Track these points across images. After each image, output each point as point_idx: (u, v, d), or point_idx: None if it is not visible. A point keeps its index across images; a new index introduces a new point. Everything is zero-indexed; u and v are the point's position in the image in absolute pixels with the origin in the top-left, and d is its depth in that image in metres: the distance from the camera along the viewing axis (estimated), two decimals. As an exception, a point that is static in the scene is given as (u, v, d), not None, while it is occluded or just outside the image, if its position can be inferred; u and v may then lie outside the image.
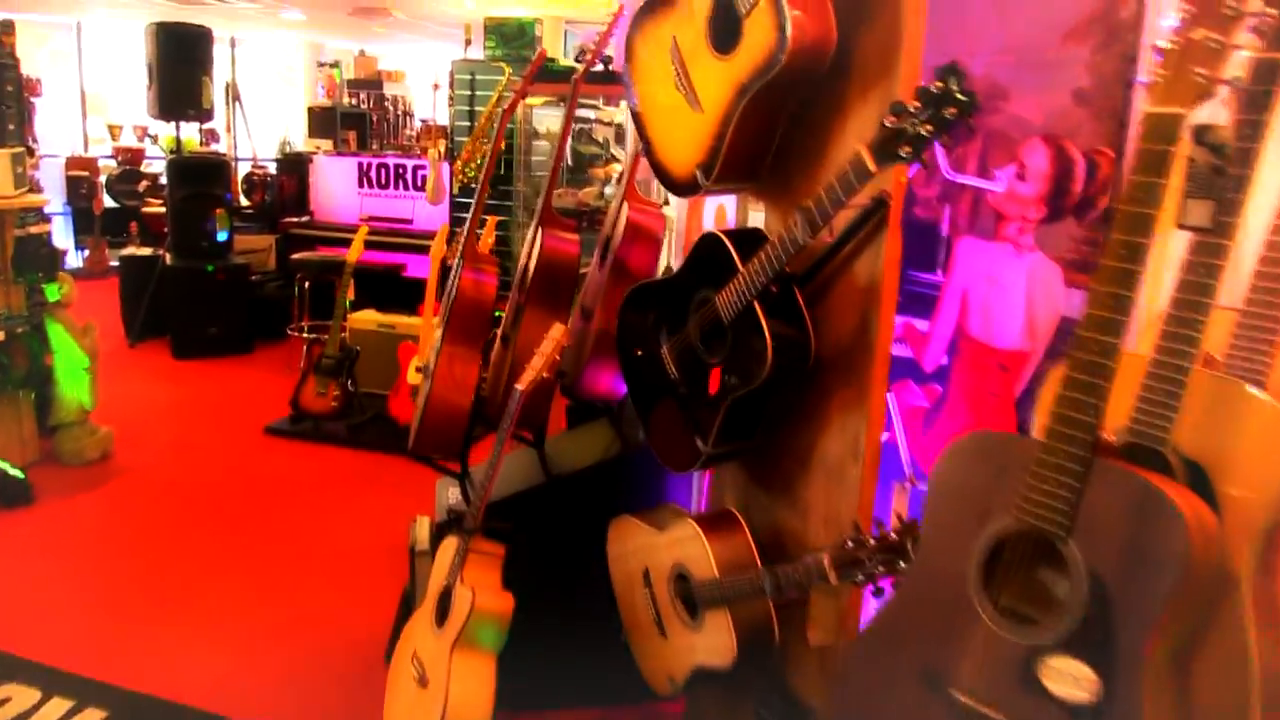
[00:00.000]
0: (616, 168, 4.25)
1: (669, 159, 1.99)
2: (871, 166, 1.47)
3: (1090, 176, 1.77)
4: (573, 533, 2.59)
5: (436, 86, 6.34)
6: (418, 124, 8.16)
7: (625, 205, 2.51)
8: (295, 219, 6.44)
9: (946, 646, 1.19)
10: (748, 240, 1.83)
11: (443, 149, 6.11)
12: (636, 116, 2.08)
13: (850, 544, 1.55)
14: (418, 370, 4.58)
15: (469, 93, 5.84)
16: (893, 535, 1.49)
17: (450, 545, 2.28)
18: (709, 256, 1.87)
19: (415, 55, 9.75)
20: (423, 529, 2.69)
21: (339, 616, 3.16)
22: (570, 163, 6.55)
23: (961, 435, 1.22)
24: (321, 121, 7.40)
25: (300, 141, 7.93)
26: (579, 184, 6.37)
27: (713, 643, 1.95)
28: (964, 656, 1.17)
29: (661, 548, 2.09)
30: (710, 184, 1.87)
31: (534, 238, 2.49)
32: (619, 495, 2.61)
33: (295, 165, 6.66)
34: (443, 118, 6.28)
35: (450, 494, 2.66)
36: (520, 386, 2.17)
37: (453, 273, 2.51)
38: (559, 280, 2.43)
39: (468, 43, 6.04)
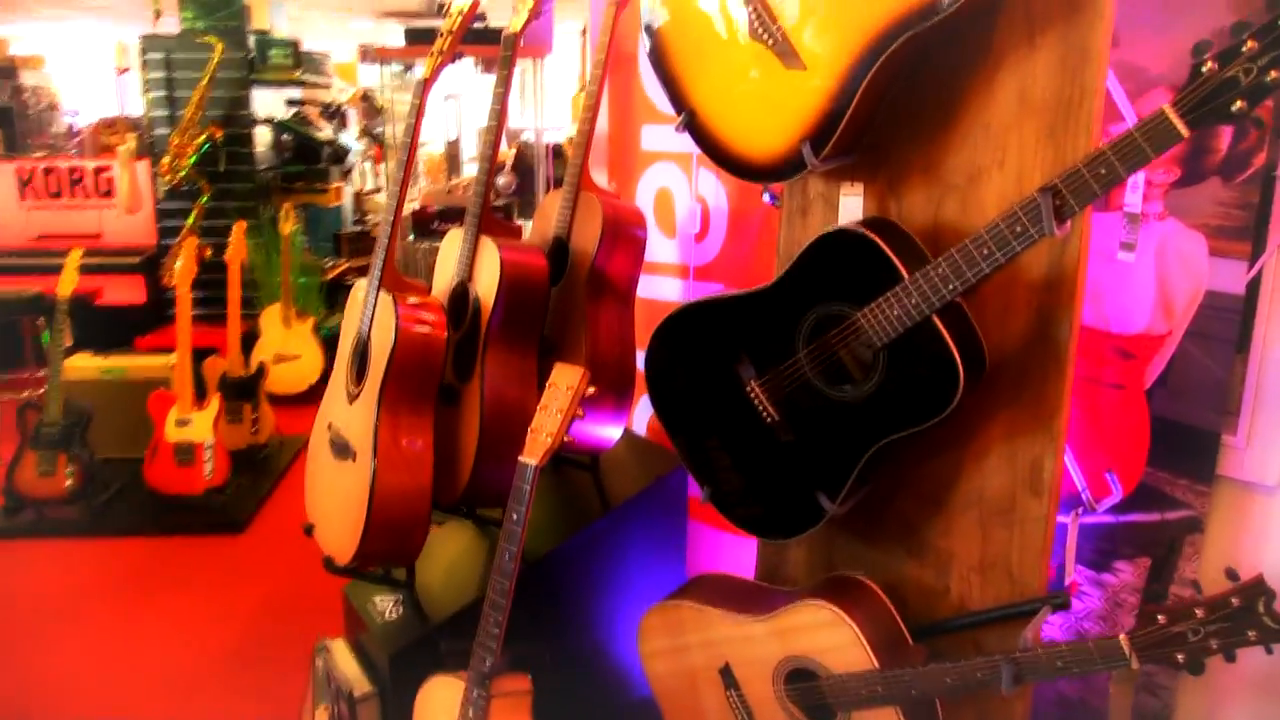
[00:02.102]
0: (508, 152, 3.54)
1: (741, 134, 1.50)
2: (1182, 128, 1.10)
3: (1239, 132, 1.53)
4: (562, 623, 2.04)
5: (124, 70, 5.06)
6: (66, 119, 6.58)
7: (586, 197, 1.96)
8: (-67, 247, 4.91)
9: None
10: (891, 235, 1.40)
11: (135, 145, 4.92)
12: (671, 81, 1.56)
13: (1164, 618, 1.20)
14: (173, 428, 3.60)
15: (165, 75, 4.71)
16: (1234, 600, 1.16)
17: (447, 690, 1.66)
18: (839, 262, 1.42)
19: (59, 35, 7.88)
20: (346, 661, 1.98)
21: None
22: (290, 152, 5.58)
23: None
24: (-49, 120, 5.70)
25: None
26: (316, 178, 5.45)
27: (866, 750, 1.53)
28: None
29: (759, 639, 1.63)
30: (820, 162, 1.42)
31: (469, 253, 1.86)
32: (606, 565, 2.08)
33: (-78, 178, 5.05)
34: (130, 107, 5.08)
35: (380, 606, 1.97)
36: (532, 460, 1.58)
37: (366, 313, 1.82)
38: (528, 306, 1.84)
39: (158, 15, 4.87)
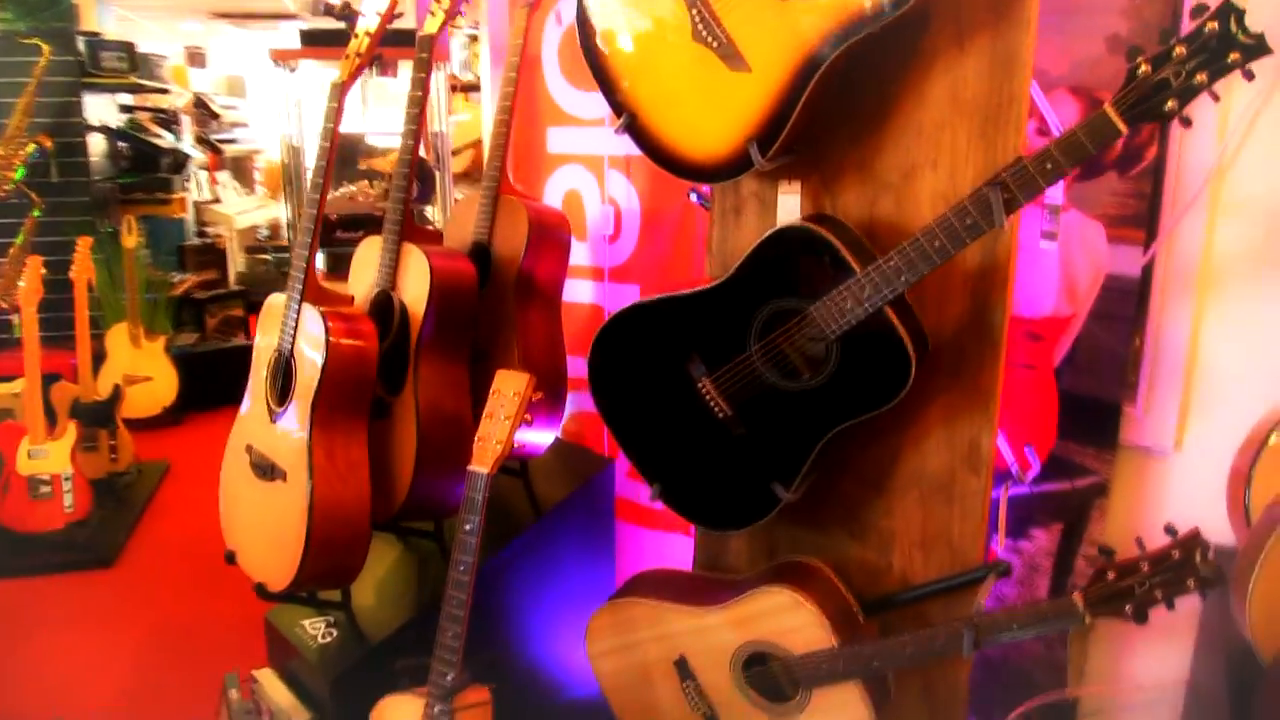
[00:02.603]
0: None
1: (684, 135, 1.53)
2: (1121, 125, 1.20)
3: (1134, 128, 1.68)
4: (501, 631, 2.01)
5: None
6: None
7: (507, 200, 1.93)
8: None
9: None
10: (839, 231, 1.46)
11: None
12: (609, 84, 1.56)
13: (1113, 574, 1.30)
14: (26, 460, 3.31)
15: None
16: (1175, 553, 1.27)
17: (403, 709, 1.61)
18: (789, 258, 1.46)
19: None
20: (278, 690, 1.89)
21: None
22: (128, 161, 5.21)
23: None
24: None
25: None
26: (158, 188, 5.12)
27: (828, 725, 1.58)
28: None
29: (715, 628, 1.66)
30: (767, 161, 1.46)
31: (391, 260, 1.81)
32: (540, 570, 2.07)
33: None
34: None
35: (311, 630, 1.88)
36: (484, 469, 1.56)
37: (286, 328, 1.73)
38: (459, 313, 1.80)
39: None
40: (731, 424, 1.57)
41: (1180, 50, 1.17)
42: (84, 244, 3.81)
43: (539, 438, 1.98)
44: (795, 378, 1.50)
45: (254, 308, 6.58)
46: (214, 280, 5.72)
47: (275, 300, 1.80)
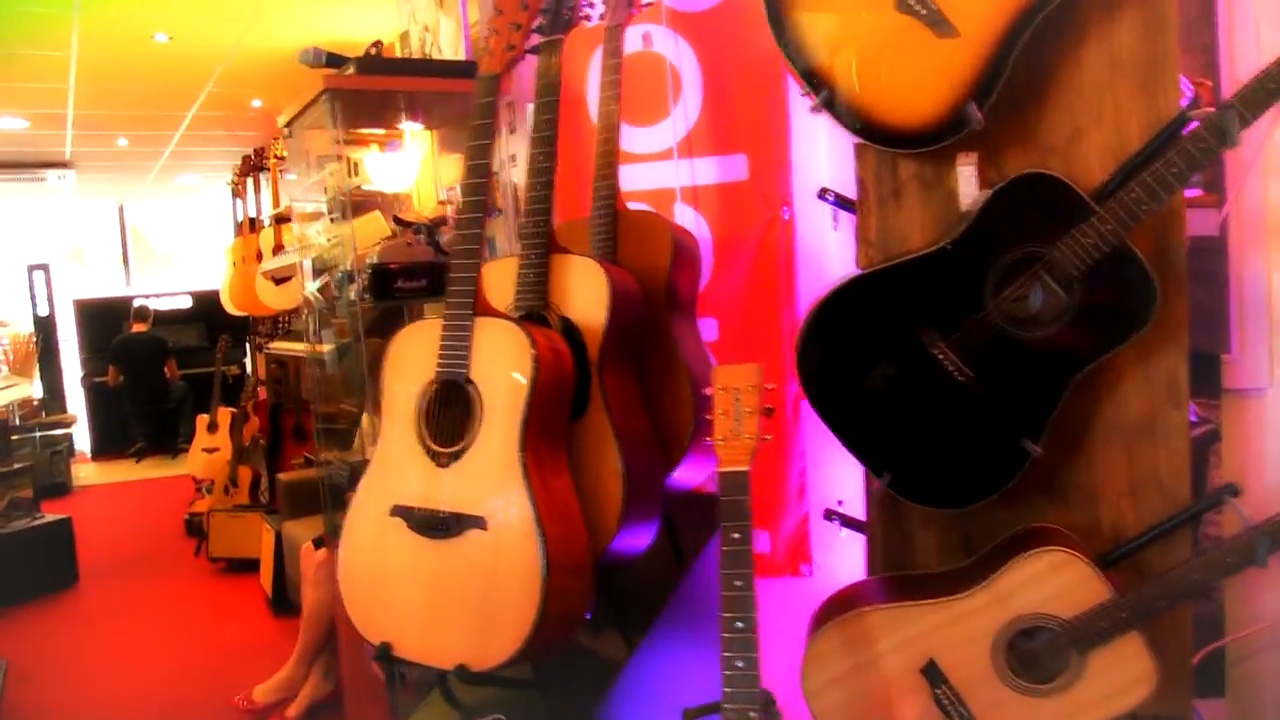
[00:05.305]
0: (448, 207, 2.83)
1: (890, 104, 1.56)
2: (1340, 39, 1.38)
3: (1193, 103, 1.91)
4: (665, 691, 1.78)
5: None
6: None
7: (638, 216, 1.84)
8: None
9: None
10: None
11: None
12: (806, 63, 1.56)
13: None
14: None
15: None
16: None
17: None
18: (1024, 207, 1.50)
19: None
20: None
21: None
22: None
23: None
24: None
25: None
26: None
27: (1108, 686, 1.53)
28: None
29: (974, 613, 1.57)
30: (981, 120, 1.51)
31: (539, 277, 1.64)
32: (692, 620, 1.88)
33: None
34: None
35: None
36: (742, 466, 1.42)
37: (450, 353, 1.51)
38: (635, 326, 1.65)
39: None
40: (971, 386, 1.54)
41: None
42: None
43: (692, 475, 1.81)
44: (1037, 326, 1.52)
45: (45, 492, 5.64)
46: (-10, 470, 4.87)
47: (420, 328, 1.56)
